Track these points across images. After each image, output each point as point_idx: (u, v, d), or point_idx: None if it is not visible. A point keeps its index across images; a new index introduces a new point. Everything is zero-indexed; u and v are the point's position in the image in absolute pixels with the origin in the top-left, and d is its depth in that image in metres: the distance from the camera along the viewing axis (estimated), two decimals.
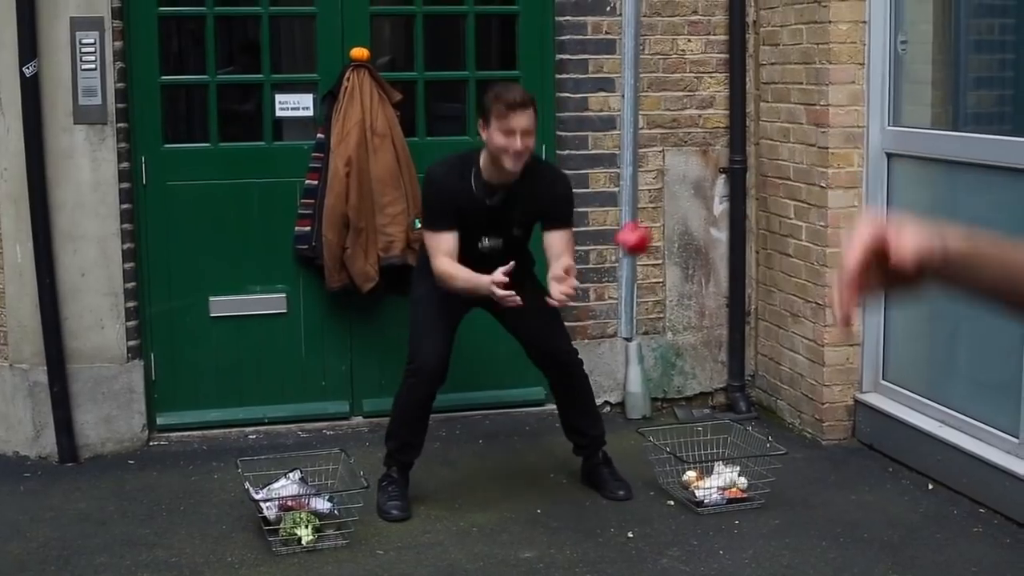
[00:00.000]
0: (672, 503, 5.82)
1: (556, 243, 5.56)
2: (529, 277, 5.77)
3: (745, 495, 5.75)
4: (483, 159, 5.51)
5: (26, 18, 6.20)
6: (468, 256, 5.52)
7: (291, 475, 5.57)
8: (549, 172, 5.76)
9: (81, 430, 6.55)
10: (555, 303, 5.36)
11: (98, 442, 6.59)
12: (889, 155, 6.36)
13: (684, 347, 7.25)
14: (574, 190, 6.81)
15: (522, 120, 5.32)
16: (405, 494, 5.74)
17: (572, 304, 6.79)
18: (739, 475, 5.82)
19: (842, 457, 6.44)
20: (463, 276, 5.42)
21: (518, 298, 5.27)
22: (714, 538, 5.44)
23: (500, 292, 5.25)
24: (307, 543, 5.29)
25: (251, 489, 5.45)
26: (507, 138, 5.32)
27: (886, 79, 6.38)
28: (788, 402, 6.95)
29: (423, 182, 5.82)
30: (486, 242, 5.58)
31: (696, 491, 5.76)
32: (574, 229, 5.91)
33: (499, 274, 5.23)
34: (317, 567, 5.17)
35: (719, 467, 5.89)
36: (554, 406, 6.06)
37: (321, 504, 5.45)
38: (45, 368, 6.46)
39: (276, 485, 5.49)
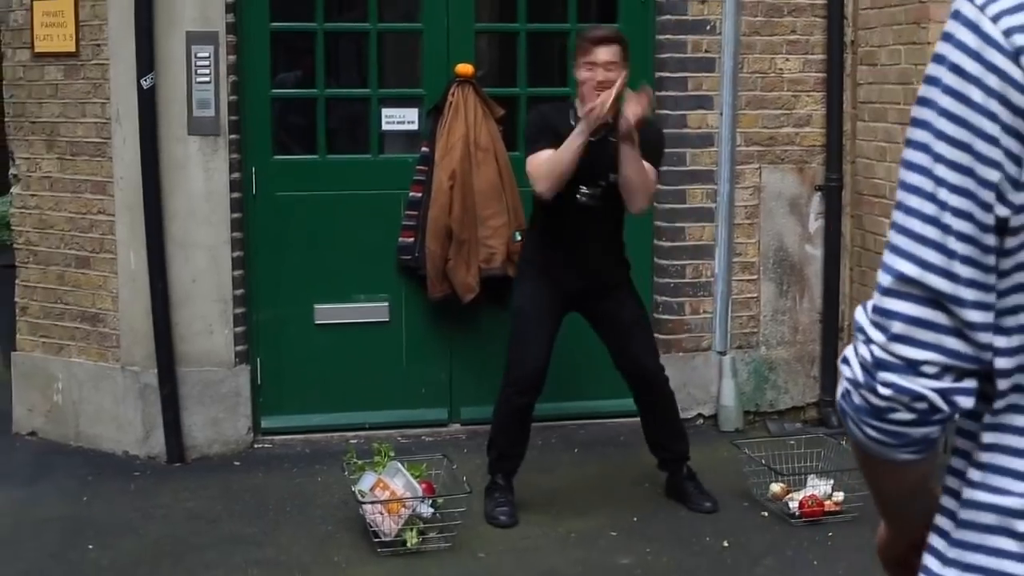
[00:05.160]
0: (766, 514, 5.92)
1: None
2: (625, 284, 5.89)
3: (839, 508, 5.84)
4: (579, 101, 5.66)
5: (144, 32, 6.43)
6: (566, 210, 5.62)
7: (395, 464, 5.69)
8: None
9: (189, 431, 6.75)
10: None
11: (205, 443, 6.79)
12: None
13: (777, 361, 7.34)
14: (672, 206, 6.98)
15: (603, 54, 5.46)
16: (512, 500, 5.88)
17: (667, 317, 6.92)
18: (833, 488, 5.90)
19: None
20: (561, 153, 5.45)
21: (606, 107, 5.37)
22: (808, 549, 5.53)
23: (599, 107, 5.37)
24: (412, 545, 5.44)
25: (357, 493, 5.60)
26: (589, 71, 5.48)
27: None
28: None
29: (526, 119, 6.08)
30: (584, 190, 5.59)
31: (790, 502, 5.85)
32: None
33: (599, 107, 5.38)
34: (421, 568, 5.34)
35: (813, 480, 5.97)
36: None
37: (424, 508, 5.60)
38: (155, 371, 6.67)
39: (387, 476, 5.61)
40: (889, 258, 1.62)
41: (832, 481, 5.95)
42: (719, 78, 7.05)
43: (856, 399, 1.65)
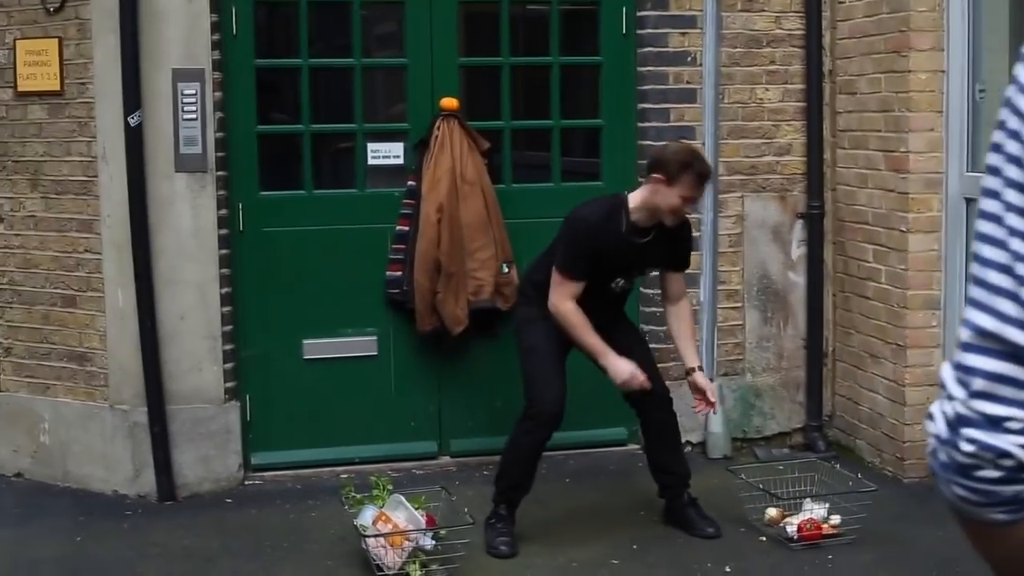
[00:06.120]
0: (764, 539, 5.95)
1: (675, 286, 5.99)
2: (624, 316, 5.97)
3: (837, 531, 5.88)
4: (635, 203, 5.68)
5: (130, 70, 6.43)
6: (598, 296, 5.74)
7: (397, 497, 5.70)
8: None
9: (179, 469, 6.71)
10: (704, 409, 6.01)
11: (195, 481, 6.76)
12: (968, 200, 6.50)
13: (763, 388, 7.40)
14: None
15: (704, 193, 5.73)
16: (513, 531, 5.88)
17: (655, 345, 6.97)
18: (829, 512, 5.95)
19: (925, 494, 6.53)
20: (582, 333, 5.66)
21: (647, 383, 5.69)
22: (809, 572, 5.57)
23: (638, 382, 5.68)
24: None
25: (359, 527, 5.59)
26: (683, 203, 5.58)
27: (965, 126, 6.54)
28: (867, 441, 7.08)
29: (570, 223, 5.76)
30: (620, 283, 5.81)
31: (787, 527, 5.89)
32: None
33: (642, 378, 5.69)
34: None
35: (808, 503, 6.02)
36: (636, 446, 6.21)
37: (427, 541, 5.59)
38: (145, 409, 6.64)
39: (389, 509, 5.62)
40: (968, 312, 1.57)
41: (828, 504, 6.00)
42: (701, 109, 7.13)
43: (942, 456, 1.59)
